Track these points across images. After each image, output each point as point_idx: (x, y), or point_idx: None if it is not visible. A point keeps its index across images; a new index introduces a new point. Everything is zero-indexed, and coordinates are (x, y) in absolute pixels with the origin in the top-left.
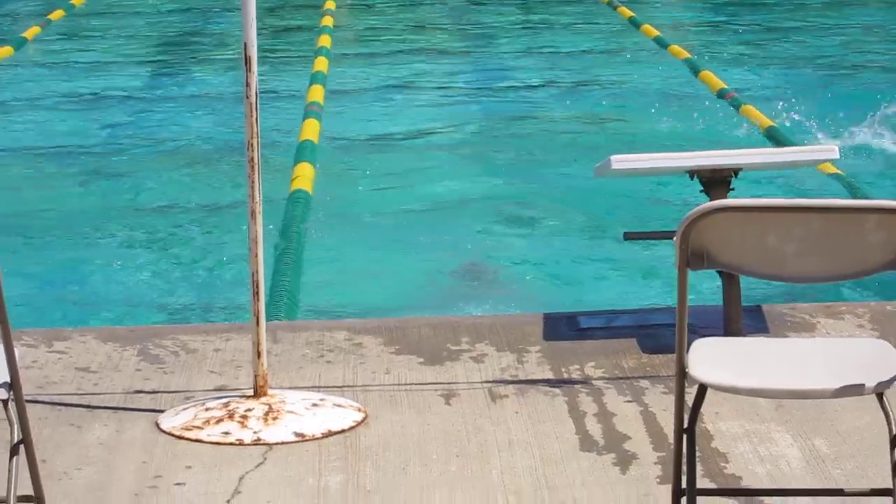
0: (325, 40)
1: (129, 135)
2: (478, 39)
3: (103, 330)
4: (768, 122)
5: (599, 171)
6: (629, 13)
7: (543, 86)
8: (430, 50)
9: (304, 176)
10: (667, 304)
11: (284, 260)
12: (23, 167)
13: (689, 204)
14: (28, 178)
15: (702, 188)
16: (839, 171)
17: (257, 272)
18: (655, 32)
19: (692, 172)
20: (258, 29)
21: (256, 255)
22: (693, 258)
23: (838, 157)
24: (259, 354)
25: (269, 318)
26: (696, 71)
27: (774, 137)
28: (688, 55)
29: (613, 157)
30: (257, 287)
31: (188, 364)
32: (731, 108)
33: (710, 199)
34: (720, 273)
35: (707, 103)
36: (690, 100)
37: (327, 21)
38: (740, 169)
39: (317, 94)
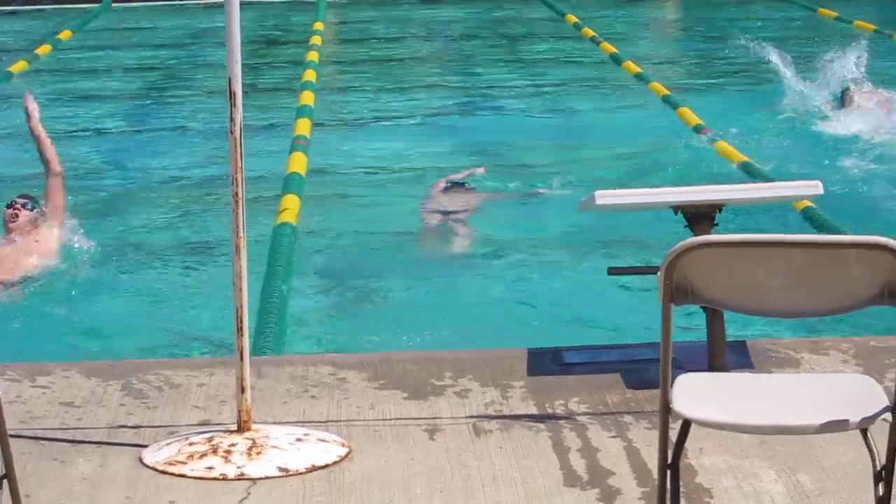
0: (310, 74)
1: (114, 168)
2: (462, 73)
3: (87, 364)
4: (742, 157)
5: (584, 205)
6: (611, 49)
7: (527, 119)
8: (416, 85)
9: (291, 209)
10: (651, 339)
11: (270, 294)
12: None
13: (673, 239)
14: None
15: (686, 223)
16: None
17: (241, 307)
18: (636, 69)
19: (676, 207)
20: (243, 64)
21: (241, 290)
22: (677, 293)
23: (822, 192)
24: (243, 389)
25: (254, 353)
26: (674, 106)
27: (750, 172)
28: (666, 91)
29: (598, 193)
30: (241, 322)
31: (172, 399)
32: (708, 144)
33: (694, 234)
34: (704, 308)
35: (684, 138)
36: (669, 135)
37: (312, 56)
38: (724, 204)
39: (303, 127)
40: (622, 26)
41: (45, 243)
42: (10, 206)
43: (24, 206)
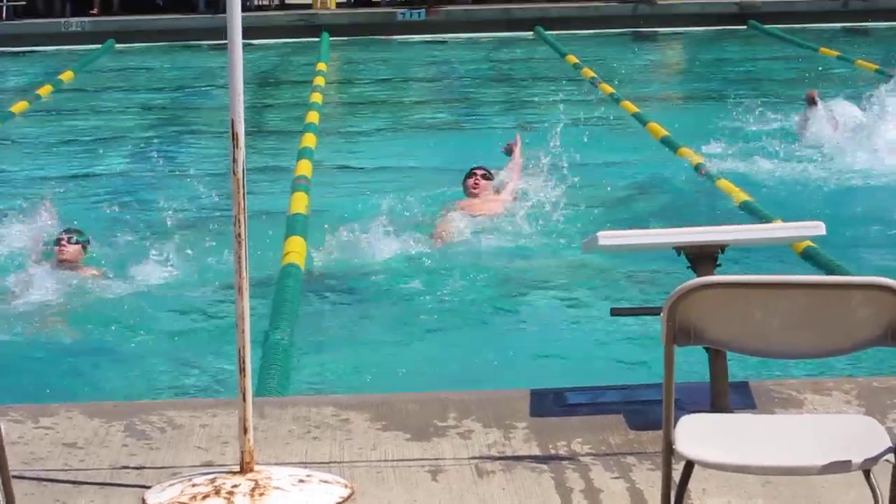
0: (313, 116)
1: (117, 208)
2: (463, 114)
3: (90, 405)
4: (744, 196)
5: (587, 246)
6: (609, 89)
7: (528, 160)
8: (417, 126)
9: (296, 251)
10: (653, 380)
11: (274, 335)
12: (8, 243)
13: (676, 279)
14: (11, 254)
15: (688, 264)
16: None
17: (244, 348)
18: (634, 108)
19: (679, 248)
20: (246, 104)
21: (243, 331)
22: (680, 334)
23: (824, 233)
24: (245, 430)
25: (257, 393)
26: (674, 147)
27: (753, 211)
28: (665, 133)
29: (601, 234)
30: (244, 363)
31: (175, 440)
32: (709, 183)
33: (697, 275)
34: (707, 349)
35: (685, 178)
36: (669, 175)
37: (316, 97)
38: (727, 245)
39: (304, 168)
40: (623, 67)
41: (87, 274)
42: (58, 240)
43: (69, 239)
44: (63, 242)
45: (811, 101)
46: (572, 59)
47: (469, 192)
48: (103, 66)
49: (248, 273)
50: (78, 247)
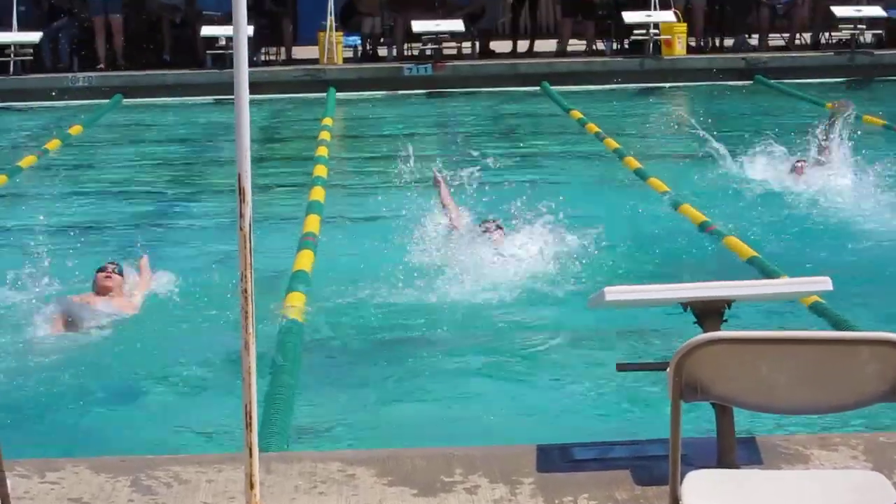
0: (320, 170)
1: (123, 262)
2: (469, 168)
3: (96, 460)
4: (751, 252)
5: (593, 302)
6: (615, 144)
7: (532, 215)
8: (422, 179)
9: (297, 307)
10: (660, 435)
11: (278, 390)
12: (16, 297)
13: (683, 333)
14: (19, 309)
15: (695, 319)
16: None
17: (250, 403)
18: (637, 164)
19: (686, 304)
20: (252, 158)
21: (250, 386)
22: (687, 390)
23: (831, 288)
24: (252, 485)
25: (263, 448)
26: (676, 204)
27: (759, 267)
28: (666, 189)
29: (607, 289)
30: (250, 418)
31: (181, 495)
32: (714, 240)
33: (704, 331)
34: (713, 404)
35: (688, 236)
36: (672, 231)
37: (322, 151)
38: (733, 301)
39: (312, 224)
40: (628, 121)
41: (125, 306)
42: (102, 269)
43: (113, 270)
44: (108, 271)
45: (799, 171)
46: (577, 114)
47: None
48: (111, 121)
49: (254, 329)
50: (120, 277)
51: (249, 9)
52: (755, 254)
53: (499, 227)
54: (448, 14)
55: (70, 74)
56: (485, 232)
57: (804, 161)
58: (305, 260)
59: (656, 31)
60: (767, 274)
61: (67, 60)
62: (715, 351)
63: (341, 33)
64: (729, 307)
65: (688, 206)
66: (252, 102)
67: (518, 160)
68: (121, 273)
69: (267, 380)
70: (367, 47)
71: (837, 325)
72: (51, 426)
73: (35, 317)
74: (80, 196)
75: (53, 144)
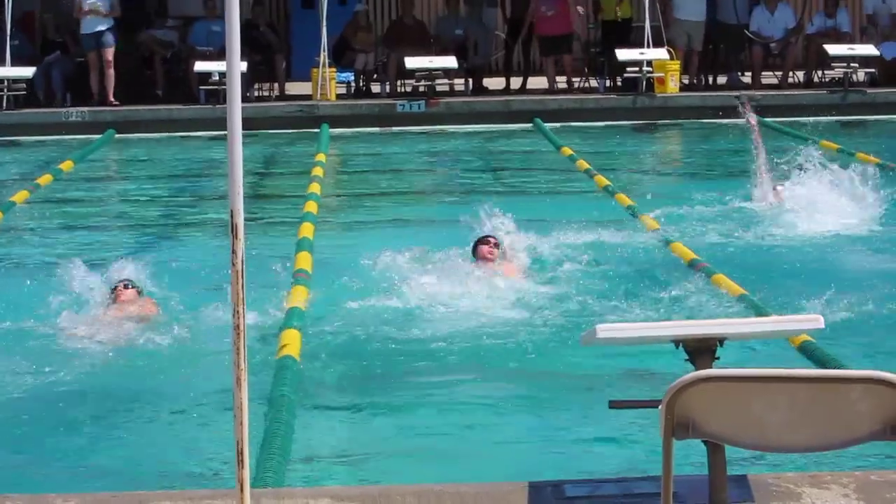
0: (311, 206)
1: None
2: (462, 207)
3: (87, 496)
4: (741, 290)
5: (585, 339)
6: (605, 181)
7: (520, 254)
8: (417, 218)
9: (292, 344)
10: (652, 472)
11: (271, 427)
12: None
13: (675, 371)
14: (18, 349)
15: (687, 357)
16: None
17: (242, 440)
18: (629, 201)
19: (677, 341)
20: (245, 194)
21: (241, 423)
22: (679, 428)
23: (822, 326)
24: None
25: (254, 485)
26: (667, 242)
27: (749, 305)
28: (657, 226)
29: (599, 327)
30: (242, 454)
31: None
32: (704, 278)
33: (696, 369)
34: (705, 442)
35: (679, 274)
36: (663, 269)
37: (314, 188)
38: (726, 338)
39: (304, 261)
40: (619, 159)
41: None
42: (115, 287)
43: (126, 286)
44: (120, 289)
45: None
46: (567, 150)
47: (485, 258)
48: (103, 156)
49: (246, 365)
50: (134, 291)
51: (243, 44)
52: (744, 291)
53: (496, 246)
54: (442, 50)
55: (63, 109)
56: (479, 257)
57: (782, 185)
58: (298, 297)
59: (649, 68)
60: (758, 312)
61: (61, 96)
62: (707, 389)
63: (334, 69)
64: (721, 345)
65: (679, 245)
66: (245, 138)
67: (509, 195)
68: (135, 287)
69: (262, 415)
70: (361, 83)
71: (824, 364)
72: (40, 459)
73: (24, 346)
74: (71, 231)
75: (45, 179)
